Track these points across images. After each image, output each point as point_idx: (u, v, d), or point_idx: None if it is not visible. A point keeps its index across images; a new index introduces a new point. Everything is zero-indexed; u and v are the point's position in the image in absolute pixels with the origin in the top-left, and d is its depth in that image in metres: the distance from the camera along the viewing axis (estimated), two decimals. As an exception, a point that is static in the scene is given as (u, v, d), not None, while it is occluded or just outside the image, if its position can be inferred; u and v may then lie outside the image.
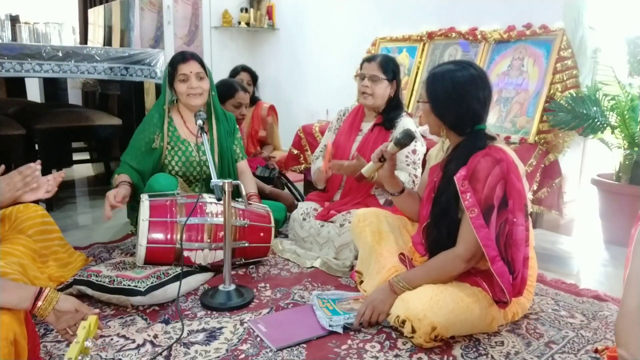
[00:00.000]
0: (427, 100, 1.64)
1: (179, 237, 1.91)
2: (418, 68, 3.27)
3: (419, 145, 2.30)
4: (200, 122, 2.00)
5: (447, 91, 1.59)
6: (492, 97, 1.67)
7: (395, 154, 1.77)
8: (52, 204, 2.94)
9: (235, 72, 3.21)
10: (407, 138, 1.72)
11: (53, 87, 4.37)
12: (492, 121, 2.75)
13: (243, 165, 2.48)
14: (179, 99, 2.27)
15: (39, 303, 1.23)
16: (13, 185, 1.55)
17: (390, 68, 2.30)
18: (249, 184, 2.40)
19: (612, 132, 2.58)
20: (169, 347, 1.52)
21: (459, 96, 1.58)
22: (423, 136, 2.53)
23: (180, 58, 2.22)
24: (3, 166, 1.60)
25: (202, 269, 2.00)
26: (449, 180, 1.58)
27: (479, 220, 1.50)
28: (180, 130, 2.29)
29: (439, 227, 1.64)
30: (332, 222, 2.29)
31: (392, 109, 2.34)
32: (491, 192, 1.52)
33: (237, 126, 2.49)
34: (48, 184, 1.68)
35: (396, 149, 1.74)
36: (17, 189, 1.57)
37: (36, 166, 1.62)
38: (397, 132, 2.25)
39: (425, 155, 2.35)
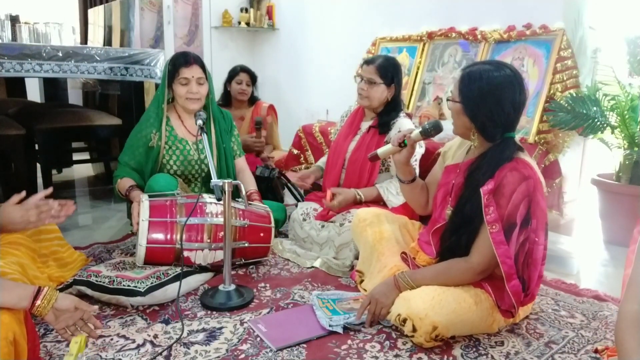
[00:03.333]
0: (460, 100, 1.57)
1: (178, 237, 1.90)
2: (418, 68, 3.27)
3: (417, 147, 2.28)
4: (200, 122, 2.00)
5: (482, 92, 1.52)
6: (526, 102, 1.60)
7: (417, 141, 1.72)
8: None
9: (234, 73, 3.21)
10: (435, 129, 1.67)
11: (53, 87, 4.36)
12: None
13: (241, 162, 2.47)
14: (176, 99, 2.27)
15: (38, 302, 1.23)
16: (27, 218, 1.57)
17: (388, 72, 2.27)
18: (249, 182, 2.40)
19: (612, 132, 2.58)
20: (169, 347, 1.52)
21: (494, 98, 1.51)
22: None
23: (183, 61, 2.19)
24: (23, 193, 1.61)
25: (202, 269, 2.00)
26: (474, 190, 1.53)
27: (499, 236, 1.47)
28: (178, 130, 2.29)
29: (458, 235, 1.60)
30: (332, 222, 2.29)
31: (387, 113, 2.33)
32: (515, 209, 1.48)
33: (234, 124, 2.49)
34: (57, 212, 1.66)
35: (420, 137, 1.70)
36: (30, 222, 1.59)
37: (54, 204, 1.63)
38: (396, 129, 2.27)
39: (422, 155, 2.36)
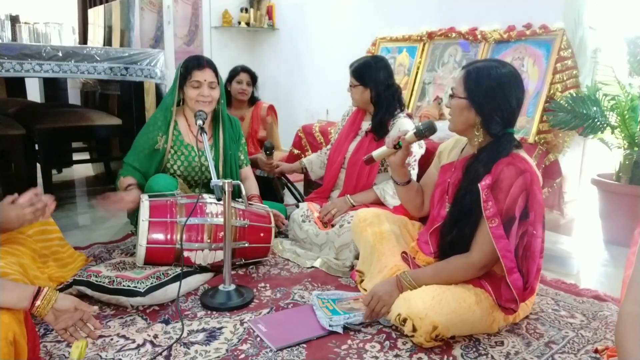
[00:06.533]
0: (465, 96, 1.58)
1: (179, 237, 1.90)
2: (418, 68, 3.27)
3: (416, 147, 2.28)
4: (200, 122, 1.99)
5: (491, 86, 1.55)
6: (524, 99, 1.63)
7: (411, 143, 1.73)
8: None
9: (234, 73, 3.21)
10: (429, 130, 1.67)
11: (53, 87, 4.37)
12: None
13: (247, 171, 2.48)
14: (186, 103, 2.27)
15: (38, 302, 1.23)
16: (22, 217, 1.59)
17: (360, 75, 2.32)
18: (252, 187, 2.41)
19: (612, 132, 2.58)
20: (169, 347, 1.52)
21: (502, 93, 1.55)
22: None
23: (196, 64, 2.19)
24: (16, 195, 1.63)
25: (202, 269, 2.00)
26: (472, 183, 1.55)
27: (499, 230, 1.49)
28: (185, 136, 2.29)
29: (460, 228, 1.60)
30: (332, 224, 2.29)
31: (376, 114, 2.34)
32: (513, 203, 1.50)
33: (242, 132, 2.49)
34: (50, 209, 1.68)
35: (414, 138, 1.70)
36: (26, 220, 1.60)
37: (48, 200, 1.65)
38: (395, 129, 2.26)
39: (422, 155, 2.36)
